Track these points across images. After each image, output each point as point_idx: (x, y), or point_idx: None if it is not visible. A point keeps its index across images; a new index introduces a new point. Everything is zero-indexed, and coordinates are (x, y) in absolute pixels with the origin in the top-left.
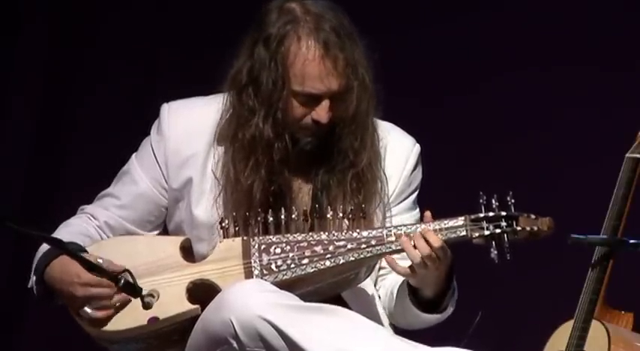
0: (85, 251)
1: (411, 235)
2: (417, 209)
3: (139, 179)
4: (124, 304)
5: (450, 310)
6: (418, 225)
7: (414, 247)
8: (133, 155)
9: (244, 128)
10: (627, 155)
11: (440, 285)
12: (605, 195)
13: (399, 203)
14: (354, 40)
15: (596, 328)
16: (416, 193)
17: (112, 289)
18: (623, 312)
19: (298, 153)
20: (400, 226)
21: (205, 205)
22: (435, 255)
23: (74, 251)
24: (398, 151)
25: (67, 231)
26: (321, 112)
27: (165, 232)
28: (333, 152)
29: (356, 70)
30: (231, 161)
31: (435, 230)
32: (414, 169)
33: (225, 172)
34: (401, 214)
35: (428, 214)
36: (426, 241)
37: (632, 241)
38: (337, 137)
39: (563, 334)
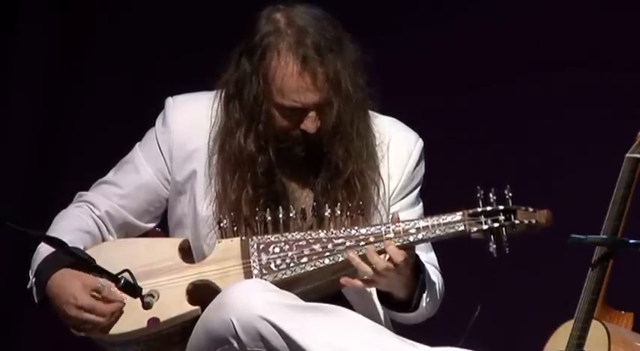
0: (87, 256)
1: (366, 252)
2: (420, 204)
3: (142, 169)
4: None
5: (427, 307)
6: (415, 221)
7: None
8: (137, 145)
9: (230, 140)
10: (627, 155)
11: (409, 287)
12: (605, 195)
13: (401, 199)
14: (338, 52)
15: (596, 328)
16: (419, 188)
17: (103, 318)
18: (623, 312)
19: (295, 159)
20: (399, 222)
21: (209, 201)
22: (388, 267)
23: (74, 252)
24: (401, 147)
25: (65, 226)
26: (309, 123)
27: (163, 226)
28: (324, 161)
29: (337, 83)
30: (221, 171)
31: (433, 225)
32: (417, 164)
33: (216, 180)
34: (404, 210)
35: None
36: (385, 252)
37: (632, 241)
38: (324, 148)
39: (563, 334)
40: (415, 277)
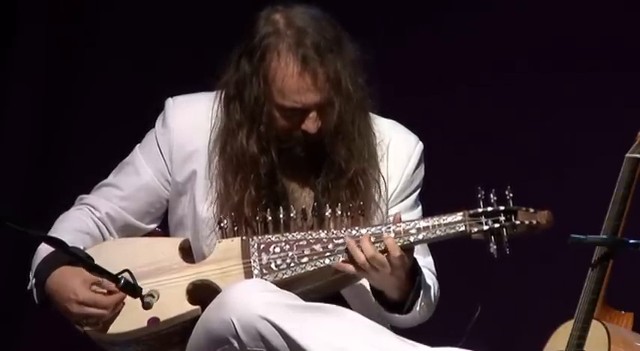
0: (87, 255)
1: (360, 238)
2: (419, 207)
3: (142, 171)
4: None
5: (421, 311)
6: (416, 222)
7: (361, 250)
8: (137, 146)
9: (232, 142)
10: (627, 155)
11: (403, 290)
12: (605, 195)
13: (401, 201)
14: (338, 52)
15: (596, 328)
16: (418, 191)
17: (106, 310)
18: (623, 312)
19: (295, 160)
20: (399, 223)
21: (209, 202)
22: (382, 261)
23: (74, 252)
24: (400, 150)
25: (66, 227)
26: (309, 124)
27: (164, 226)
28: (325, 162)
29: (338, 83)
30: (222, 173)
31: (434, 226)
32: (417, 167)
33: (218, 181)
34: (403, 213)
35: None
36: (386, 248)
37: (632, 241)
38: (326, 148)
39: (563, 334)
40: (410, 281)
